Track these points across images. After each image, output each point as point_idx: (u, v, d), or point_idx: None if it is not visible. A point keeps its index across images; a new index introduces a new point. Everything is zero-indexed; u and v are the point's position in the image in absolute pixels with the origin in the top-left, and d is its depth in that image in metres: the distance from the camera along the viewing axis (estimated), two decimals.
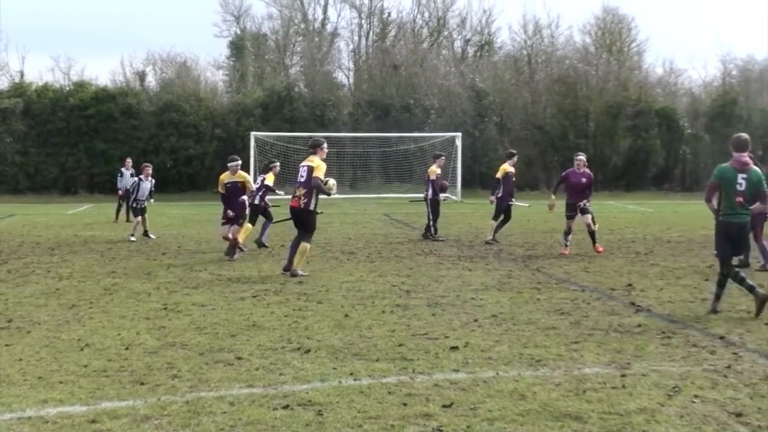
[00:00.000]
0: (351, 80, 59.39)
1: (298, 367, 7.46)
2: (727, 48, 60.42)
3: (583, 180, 17.03)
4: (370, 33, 62.24)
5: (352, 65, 60.41)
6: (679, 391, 6.61)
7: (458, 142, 43.15)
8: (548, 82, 55.54)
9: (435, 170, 20.40)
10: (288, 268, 13.62)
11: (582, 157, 17.49)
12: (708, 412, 6.06)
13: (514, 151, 21.00)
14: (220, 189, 16.52)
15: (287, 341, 8.54)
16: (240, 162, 16.58)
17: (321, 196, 13.61)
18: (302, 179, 13.43)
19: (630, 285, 12.47)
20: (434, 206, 20.14)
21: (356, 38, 61.70)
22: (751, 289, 9.95)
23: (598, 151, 50.87)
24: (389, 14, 62.97)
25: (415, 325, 9.37)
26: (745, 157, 9.99)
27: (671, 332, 8.93)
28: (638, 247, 18.01)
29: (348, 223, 25.79)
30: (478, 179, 48.20)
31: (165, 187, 44.86)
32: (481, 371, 7.29)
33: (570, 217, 16.99)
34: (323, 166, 13.41)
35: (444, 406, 6.26)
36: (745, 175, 9.91)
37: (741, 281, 10.07)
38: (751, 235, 11.03)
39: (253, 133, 42.66)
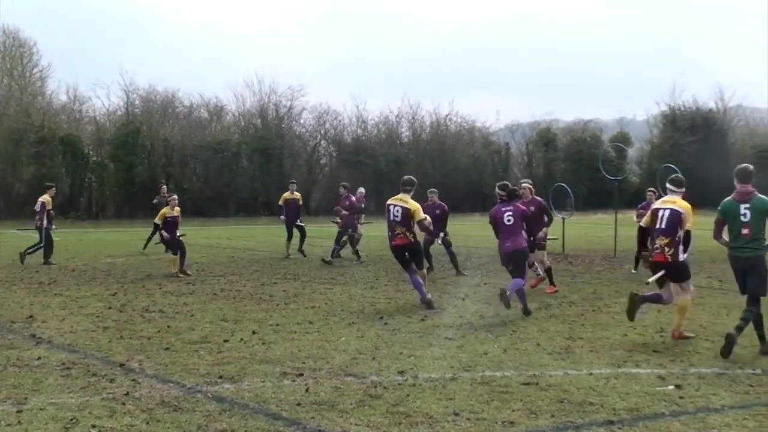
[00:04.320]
0: None
1: None
2: (129, 78, 61.88)
3: (532, 208, 14.56)
4: None
5: None
6: (77, 422, 6.51)
7: None
8: None
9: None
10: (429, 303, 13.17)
11: (525, 183, 15.55)
12: None
13: (294, 180, 24.40)
14: None
15: None
16: None
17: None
18: (397, 218, 13.41)
19: (31, 317, 12.05)
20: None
21: None
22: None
23: (0, 178, 48.73)
24: None
25: None
26: (749, 187, 9.56)
27: (72, 363, 8.80)
28: (42, 277, 17.51)
29: None
30: None
31: None
32: None
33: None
34: (418, 207, 13.66)
35: None
36: (747, 206, 9.50)
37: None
38: None
39: None
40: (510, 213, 12.48)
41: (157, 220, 19.38)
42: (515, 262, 12.43)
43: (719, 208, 9.79)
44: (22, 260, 20.53)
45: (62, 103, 59.12)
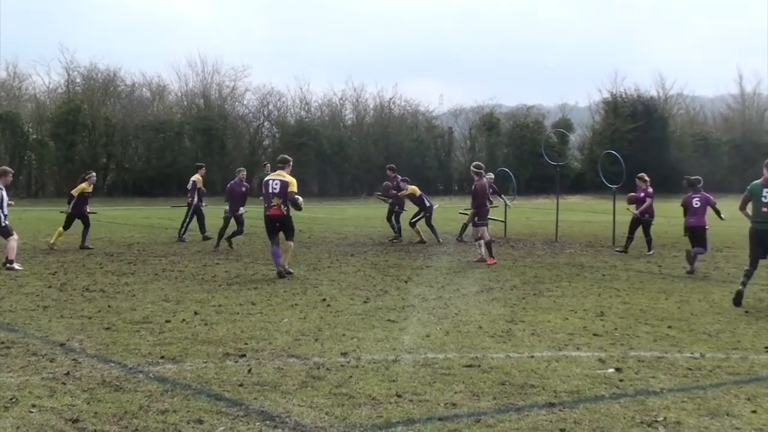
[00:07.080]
0: None
1: None
2: (70, 56, 60.63)
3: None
4: None
5: None
6: (16, 402, 6.41)
7: None
8: None
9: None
10: (281, 273, 14.46)
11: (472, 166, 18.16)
12: (45, 421, 5.97)
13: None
14: None
15: None
16: None
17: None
18: (275, 190, 14.57)
19: None
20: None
21: None
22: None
23: None
24: None
25: None
26: None
27: (11, 342, 8.65)
28: None
29: None
30: None
31: None
32: None
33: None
34: (294, 181, 14.73)
35: None
36: None
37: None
38: None
39: None
40: (698, 198, 16.24)
41: (74, 192, 19.80)
42: (695, 234, 16.22)
43: (748, 187, 12.25)
44: (180, 239, 22.02)
45: (1, 79, 57.95)
